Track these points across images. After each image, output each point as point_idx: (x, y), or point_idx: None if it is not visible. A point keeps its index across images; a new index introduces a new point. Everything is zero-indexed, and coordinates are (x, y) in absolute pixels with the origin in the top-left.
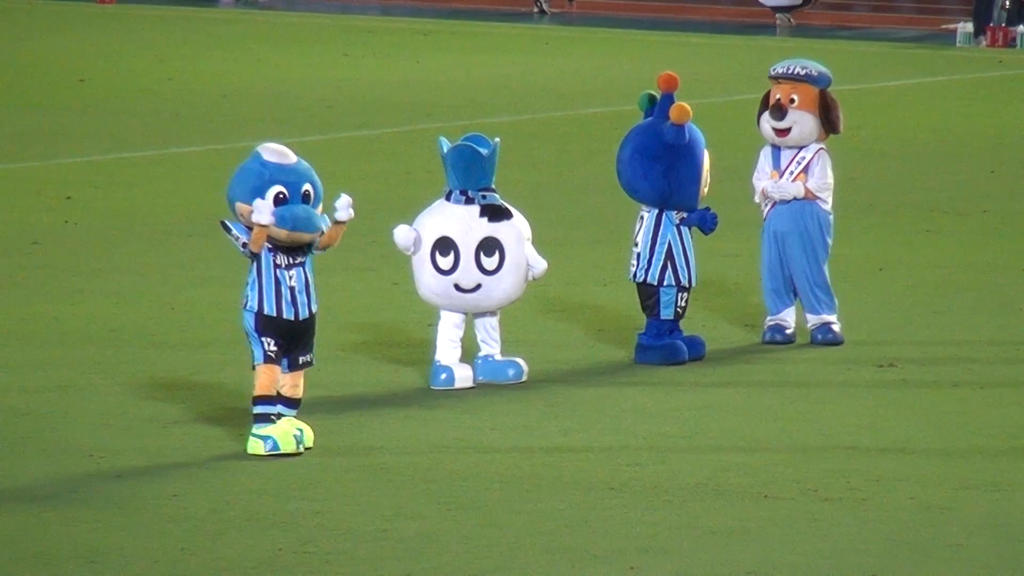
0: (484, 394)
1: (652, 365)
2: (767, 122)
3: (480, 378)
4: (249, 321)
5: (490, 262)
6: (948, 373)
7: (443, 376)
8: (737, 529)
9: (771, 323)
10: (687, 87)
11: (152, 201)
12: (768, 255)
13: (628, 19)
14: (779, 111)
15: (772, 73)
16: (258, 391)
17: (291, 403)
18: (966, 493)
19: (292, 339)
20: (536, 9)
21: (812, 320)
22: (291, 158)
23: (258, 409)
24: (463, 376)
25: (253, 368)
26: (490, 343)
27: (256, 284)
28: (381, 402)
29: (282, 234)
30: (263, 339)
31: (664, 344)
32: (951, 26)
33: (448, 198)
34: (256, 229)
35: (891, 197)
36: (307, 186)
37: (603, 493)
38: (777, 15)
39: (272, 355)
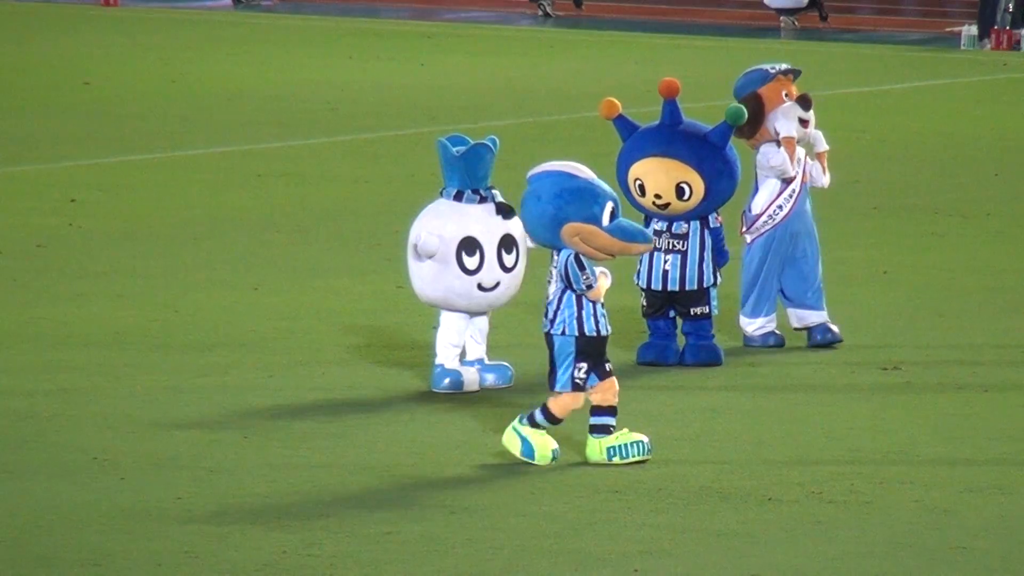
0: (487, 397)
1: (646, 365)
2: (796, 111)
3: (486, 382)
4: (569, 345)
5: (510, 259)
6: (952, 376)
7: (447, 380)
8: (741, 532)
9: (768, 329)
10: (693, 90)
11: (157, 204)
12: (781, 257)
13: (632, 22)
14: (809, 102)
15: (780, 69)
16: (559, 412)
17: (613, 411)
18: (970, 496)
19: (601, 354)
20: (540, 12)
21: (815, 319)
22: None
23: (546, 423)
24: (470, 380)
25: (553, 390)
26: (480, 345)
27: (573, 308)
28: (385, 405)
29: (633, 248)
30: (577, 364)
31: (652, 343)
32: (956, 29)
33: (458, 198)
34: (605, 281)
35: (895, 200)
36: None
37: (607, 496)
38: (781, 18)
39: (580, 382)
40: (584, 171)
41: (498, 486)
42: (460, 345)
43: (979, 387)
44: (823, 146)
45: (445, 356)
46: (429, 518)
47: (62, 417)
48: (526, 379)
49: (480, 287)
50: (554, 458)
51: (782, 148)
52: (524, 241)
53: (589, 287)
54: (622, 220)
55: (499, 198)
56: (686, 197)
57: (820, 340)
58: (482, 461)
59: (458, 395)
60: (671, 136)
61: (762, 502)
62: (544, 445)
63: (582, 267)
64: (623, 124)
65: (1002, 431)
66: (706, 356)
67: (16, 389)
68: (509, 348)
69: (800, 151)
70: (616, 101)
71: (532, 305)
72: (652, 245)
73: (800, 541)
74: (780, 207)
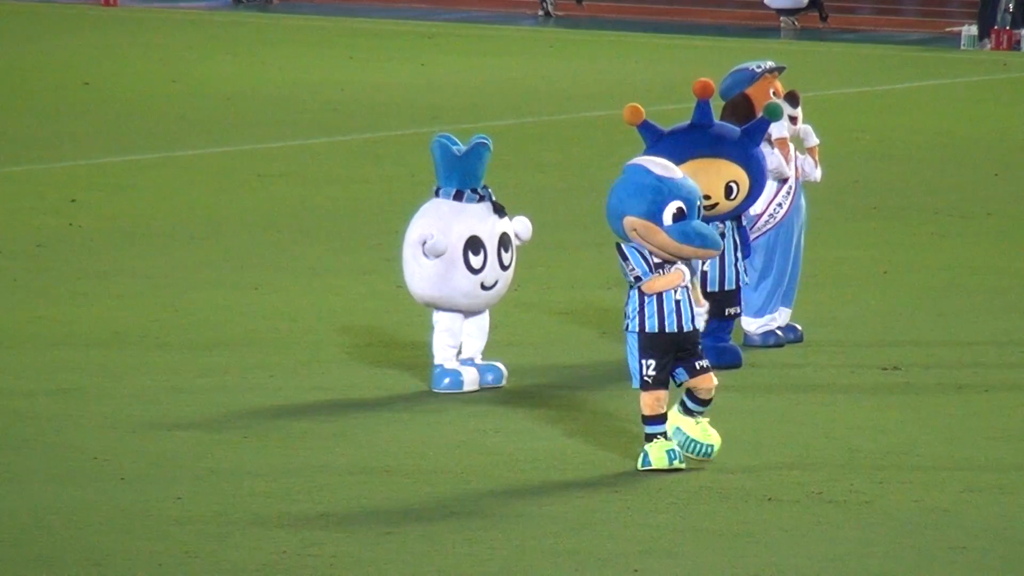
0: (487, 397)
1: None
2: (785, 110)
3: (485, 383)
4: (632, 343)
5: (507, 257)
6: (952, 376)
7: (447, 380)
8: (741, 532)
9: (769, 328)
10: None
11: (156, 204)
12: (789, 250)
13: (632, 22)
14: (796, 98)
15: (765, 68)
16: (647, 412)
17: (705, 403)
18: (970, 496)
19: (680, 350)
20: (541, 12)
21: (782, 318)
22: (679, 173)
23: (648, 429)
24: (470, 379)
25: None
26: (478, 342)
27: (636, 304)
28: (384, 404)
29: (686, 250)
30: (643, 361)
31: None
32: (955, 29)
33: (458, 198)
34: (671, 277)
35: (895, 200)
36: (699, 202)
37: (607, 496)
38: (781, 18)
39: (649, 380)
40: (662, 167)
41: (498, 486)
42: (457, 345)
43: (979, 387)
44: (813, 140)
45: (443, 356)
46: (429, 518)
47: (62, 417)
48: (523, 379)
49: (483, 286)
50: (670, 460)
51: (776, 150)
52: (515, 239)
53: (637, 279)
54: (687, 223)
55: (493, 197)
56: (733, 196)
57: (794, 339)
58: (483, 461)
59: (458, 395)
60: (714, 136)
61: (762, 502)
62: (658, 448)
63: (625, 258)
64: (648, 130)
65: (1002, 431)
66: (730, 358)
67: (16, 389)
68: (509, 347)
69: (791, 147)
70: (640, 107)
71: (531, 305)
72: (712, 252)
73: (800, 541)
74: (780, 205)
